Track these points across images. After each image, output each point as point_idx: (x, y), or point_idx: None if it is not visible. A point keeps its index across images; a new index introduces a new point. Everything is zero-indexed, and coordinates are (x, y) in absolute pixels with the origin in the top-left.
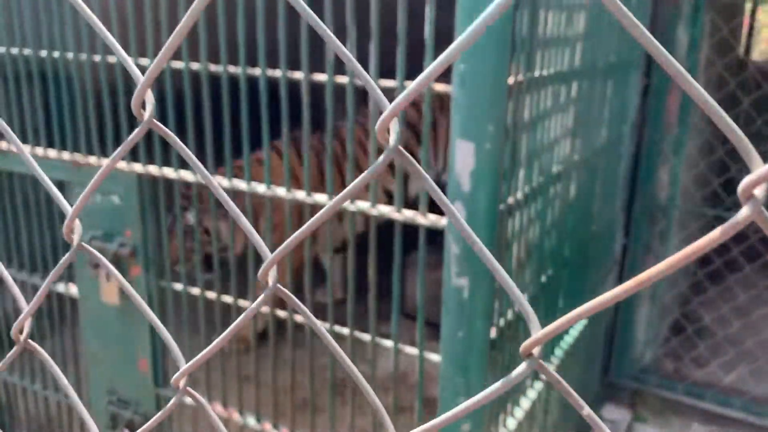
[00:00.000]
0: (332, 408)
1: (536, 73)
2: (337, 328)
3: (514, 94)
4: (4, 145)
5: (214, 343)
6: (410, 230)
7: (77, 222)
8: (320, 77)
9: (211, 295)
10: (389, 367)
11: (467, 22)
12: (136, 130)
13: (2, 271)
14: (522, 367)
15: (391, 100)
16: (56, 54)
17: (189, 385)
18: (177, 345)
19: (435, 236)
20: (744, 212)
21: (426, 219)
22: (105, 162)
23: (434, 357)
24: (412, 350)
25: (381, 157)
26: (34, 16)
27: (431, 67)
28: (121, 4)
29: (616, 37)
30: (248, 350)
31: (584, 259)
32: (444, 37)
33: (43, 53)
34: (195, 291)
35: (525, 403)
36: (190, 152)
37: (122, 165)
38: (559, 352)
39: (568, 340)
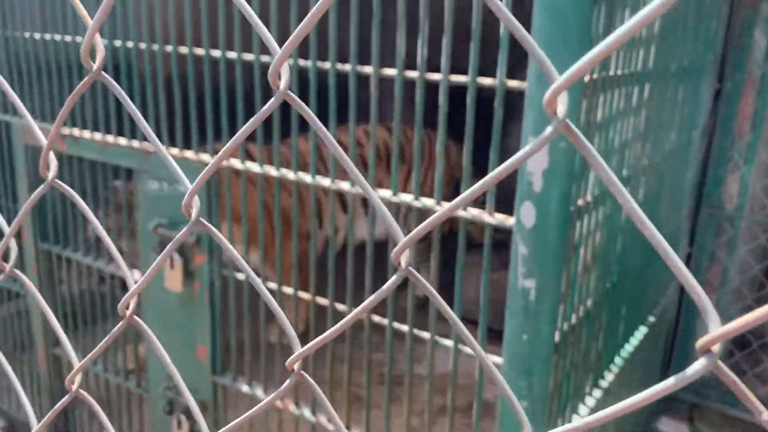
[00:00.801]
0: (388, 405)
1: (610, 73)
2: (396, 324)
3: (588, 92)
4: (76, 131)
5: (333, 329)
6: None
7: (196, 198)
8: (390, 72)
9: (272, 285)
10: (441, 368)
11: (546, 17)
12: (270, 102)
13: (114, 252)
14: (700, 363)
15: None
16: (130, 44)
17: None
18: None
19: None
20: None
21: (493, 218)
22: (173, 151)
23: (494, 359)
24: (471, 351)
25: (548, 131)
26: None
27: (595, 50)
28: None
29: (690, 40)
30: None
31: (648, 267)
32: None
33: (117, 43)
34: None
35: (583, 410)
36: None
37: (189, 154)
38: (619, 360)
39: (629, 348)
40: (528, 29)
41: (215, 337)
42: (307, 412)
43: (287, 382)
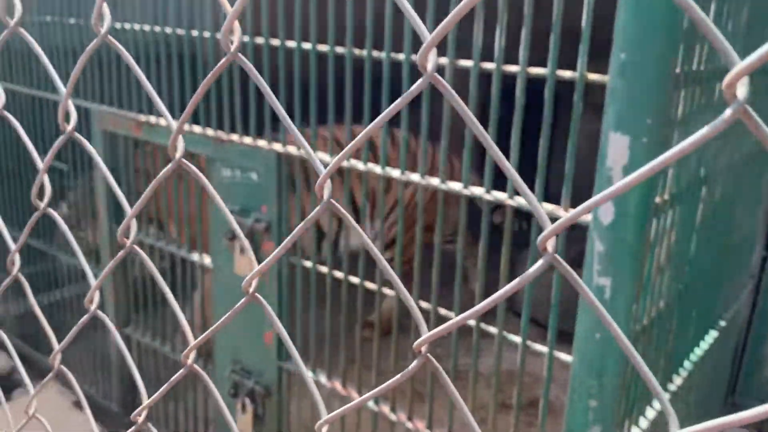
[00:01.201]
0: (431, 399)
1: (693, 67)
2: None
3: (673, 87)
4: (152, 119)
5: (465, 314)
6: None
7: (329, 180)
8: (466, 63)
9: (338, 274)
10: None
11: (632, 10)
12: (418, 83)
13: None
14: None
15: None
16: (206, 34)
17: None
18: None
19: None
20: None
21: (568, 214)
22: (246, 140)
23: (563, 357)
24: (542, 348)
25: (727, 113)
26: None
27: None
28: None
29: None
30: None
31: (721, 270)
32: (600, 24)
33: (194, 33)
34: (324, 269)
35: (650, 413)
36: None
37: (263, 143)
38: (688, 364)
39: (698, 352)
40: (606, 22)
41: (282, 322)
42: (370, 402)
43: (414, 363)
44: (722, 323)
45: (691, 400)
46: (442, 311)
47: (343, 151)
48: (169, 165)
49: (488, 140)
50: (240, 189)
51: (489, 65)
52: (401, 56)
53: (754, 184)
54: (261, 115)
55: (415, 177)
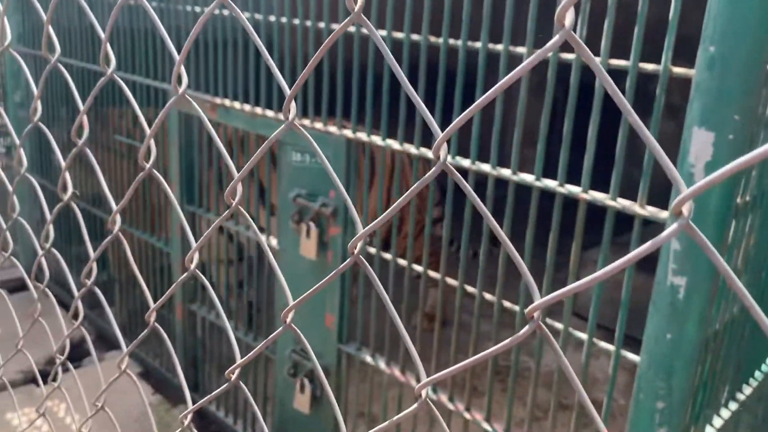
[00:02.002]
0: (490, 392)
1: None
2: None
3: (763, 83)
4: (227, 102)
5: (583, 281)
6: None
7: (445, 145)
8: None
9: (402, 262)
10: (552, 363)
11: (724, 1)
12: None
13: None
14: None
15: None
16: (284, 19)
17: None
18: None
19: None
20: None
21: (645, 210)
22: (317, 125)
23: (631, 356)
24: (608, 346)
25: None
26: None
27: None
28: None
29: None
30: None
31: None
32: (686, 16)
33: (271, 18)
34: (387, 256)
35: (717, 422)
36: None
37: (333, 129)
38: (758, 374)
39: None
40: (694, 14)
41: (344, 306)
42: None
43: (526, 328)
44: None
45: (760, 411)
46: (507, 304)
47: (458, 118)
48: (281, 127)
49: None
50: (308, 173)
51: (569, 56)
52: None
53: None
54: (333, 100)
55: (486, 167)
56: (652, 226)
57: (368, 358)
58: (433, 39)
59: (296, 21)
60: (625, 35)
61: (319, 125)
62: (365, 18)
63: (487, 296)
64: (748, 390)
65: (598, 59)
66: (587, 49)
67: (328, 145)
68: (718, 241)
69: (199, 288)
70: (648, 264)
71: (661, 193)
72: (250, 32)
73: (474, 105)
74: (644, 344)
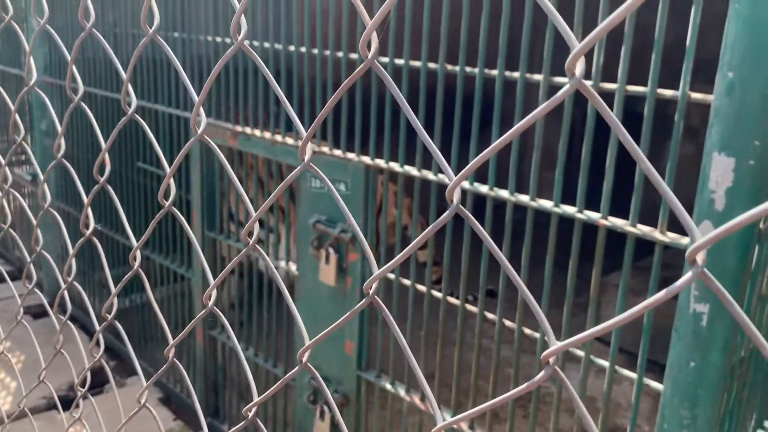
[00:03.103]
0: (512, 419)
1: None
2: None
3: None
4: (248, 130)
5: (607, 323)
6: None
7: (459, 187)
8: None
9: (421, 287)
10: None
11: (744, 28)
12: (564, 89)
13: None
14: None
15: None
16: (291, 48)
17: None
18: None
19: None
20: None
21: (665, 236)
22: (336, 152)
23: (654, 384)
24: (630, 374)
25: None
26: (268, 12)
27: None
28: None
29: None
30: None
31: None
32: (704, 42)
33: (291, 48)
34: (406, 282)
35: None
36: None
37: (352, 156)
38: None
39: None
40: (700, 41)
41: (363, 333)
42: (447, 416)
43: (541, 373)
44: None
45: None
46: (527, 331)
47: (473, 162)
48: (297, 168)
49: (647, 162)
50: (327, 199)
51: (586, 82)
52: (516, 74)
53: None
54: (352, 127)
55: (504, 193)
56: (674, 251)
57: (388, 386)
58: (449, 67)
59: (315, 51)
60: (644, 58)
61: (338, 152)
62: (379, 65)
63: (507, 323)
64: None
65: (614, 86)
66: (599, 98)
67: (347, 171)
68: (741, 268)
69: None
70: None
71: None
72: (260, 66)
73: (488, 149)
74: (667, 372)
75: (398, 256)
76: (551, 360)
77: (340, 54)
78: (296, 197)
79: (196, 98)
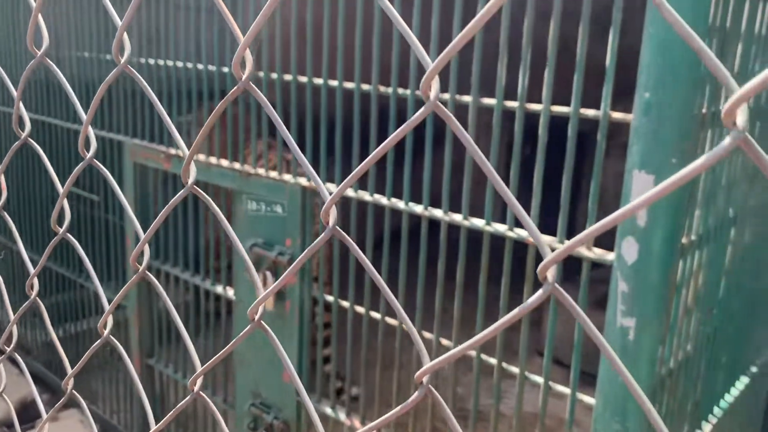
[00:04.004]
0: None
1: (720, 108)
2: (484, 357)
3: (699, 126)
4: (181, 152)
5: (465, 345)
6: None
7: (334, 207)
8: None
9: (360, 309)
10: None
11: (656, 52)
12: (420, 111)
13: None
14: None
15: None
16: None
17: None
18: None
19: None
20: None
21: (592, 252)
22: (272, 174)
23: (587, 399)
24: (563, 389)
25: (727, 141)
26: (216, 35)
27: None
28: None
29: None
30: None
31: (751, 315)
32: (624, 64)
33: (224, 69)
34: (345, 304)
35: None
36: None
37: (288, 177)
38: (717, 411)
39: (728, 399)
40: (630, 62)
41: (302, 358)
42: None
43: (416, 394)
44: (754, 369)
45: None
46: (444, 341)
47: (347, 179)
48: (182, 191)
49: (492, 172)
50: (265, 222)
51: (512, 103)
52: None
53: None
54: (286, 149)
55: (438, 213)
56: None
57: (328, 410)
58: (382, 89)
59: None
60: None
61: (274, 174)
62: (254, 86)
63: (444, 342)
64: (707, 427)
65: (540, 107)
66: (453, 118)
67: (283, 193)
68: (664, 282)
69: (156, 342)
70: (606, 303)
71: (610, 233)
72: (143, 85)
73: (353, 173)
74: (598, 386)
75: (276, 282)
76: (424, 380)
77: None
78: (232, 221)
79: (83, 118)
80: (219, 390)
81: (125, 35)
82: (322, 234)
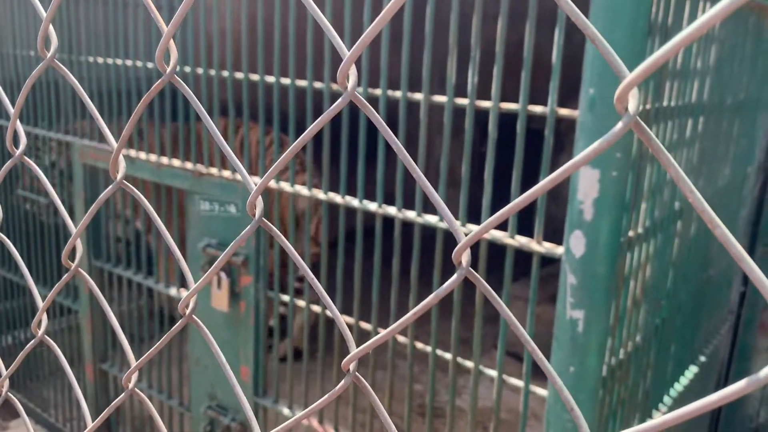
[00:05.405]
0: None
1: (664, 104)
2: (439, 352)
3: (643, 121)
4: (132, 152)
5: (392, 327)
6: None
7: (260, 198)
8: (440, 99)
9: (316, 308)
10: (481, 401)
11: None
12: (338, 101)
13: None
14: None
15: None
16: (187, 69)
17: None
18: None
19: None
20: None
21: (541, 247)
22: (225, 173)
23: (540, 391)
24: (517, 382)
25: (618, 126)
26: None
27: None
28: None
29: (746, 74)
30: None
31: (699, 305)
32: (569, 62)
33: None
34: (301, 303)
35: None
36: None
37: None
38: (668, 399)
39: (678, 387)
40: (578, 61)
41: (258, 359)
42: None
43: (342, 382)
44: (702, 359)
45: None
46: (419, 345)
47: (269, 171)
48: (110, 186)
49: (410, 162)
50: (218, 222)
51: (463, 101)
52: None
53: (731, 219)
54: (241, 149)
55: (392, 210)
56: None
57: (285, 410)
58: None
59: (212, 72)
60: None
61: (227, 174)
62: (178, 78)
63: (401, 338)
64: (657, 415)
65: (489, 104)
66: (370, 108)
67: (235, 193)
68: (611, 274)
69: (110, 346)
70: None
71: (559, 228)
72: (71, 81)
73: (276, 164)
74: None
75: (208, 272)
76: (351, 367)
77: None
78: (185, 221)
79: (11, 112)
80: (174, 393)
81: (51, 28)
82: (248, 227)
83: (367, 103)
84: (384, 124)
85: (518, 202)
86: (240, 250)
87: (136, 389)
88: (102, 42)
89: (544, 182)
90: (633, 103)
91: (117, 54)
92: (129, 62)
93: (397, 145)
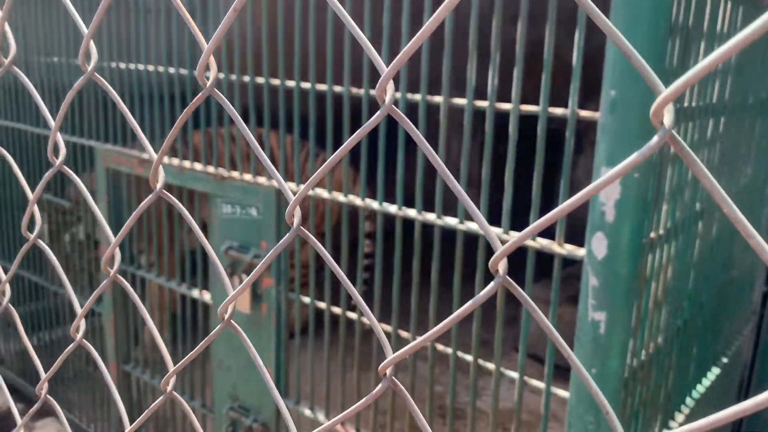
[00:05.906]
0: None
1: (685, 104)
2: (460, 354)
3: None
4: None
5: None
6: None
7: (298, 208)
8: (460, 101)
9: (336, 310)
10: (502, 403)
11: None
12: (376, 114)
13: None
14: None
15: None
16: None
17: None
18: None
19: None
20: None
21: (563, 248)
22: (246, 177)
23: (561, 393)
24: (538, 384)
25: (654, 140)
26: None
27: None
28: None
29: None
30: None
31: (721, 306)
32: (590, 62)
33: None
34: (322, 305)
35: None
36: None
37: (262, 180)
38: (689, 401)
39: (700, 389)
40: (596, 63)
41: (280, 360)
42: None
43: (379, 386)
44: (724, 360)
45: None
46: (440, 347)
47: (309, 180)
48: (150, 195)
49: (447, 174)
50: (240, 225)
51: (482, 103)
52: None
53: (752, 219)
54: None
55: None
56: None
57: (307, 411)
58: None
59: (233, 77)
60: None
61: (248, 177)
62: (217, 91)
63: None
64: (680, 418)
65: (509, 106)
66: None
67: (258, 196)
68: (633, 275)
69: (132, 347)
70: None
71: (580, 230)
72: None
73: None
74: (572, 380)
75: (245, 281)
76: (388, 371)
77: (221, 75)
78: (208, 224)
79: (51, 124)
80: (197, 394)
81: (92, 43)
82: (286, 235)
83: (405, 117)
84: (421, 137)
85: (562, 208)
86: (261, 252)
87: (174, 392)
88: (124, 48)
89: (589, 188)
90: (669, 118)
91: (138, 59)
92: (150, 67)
93: (435, 157)
